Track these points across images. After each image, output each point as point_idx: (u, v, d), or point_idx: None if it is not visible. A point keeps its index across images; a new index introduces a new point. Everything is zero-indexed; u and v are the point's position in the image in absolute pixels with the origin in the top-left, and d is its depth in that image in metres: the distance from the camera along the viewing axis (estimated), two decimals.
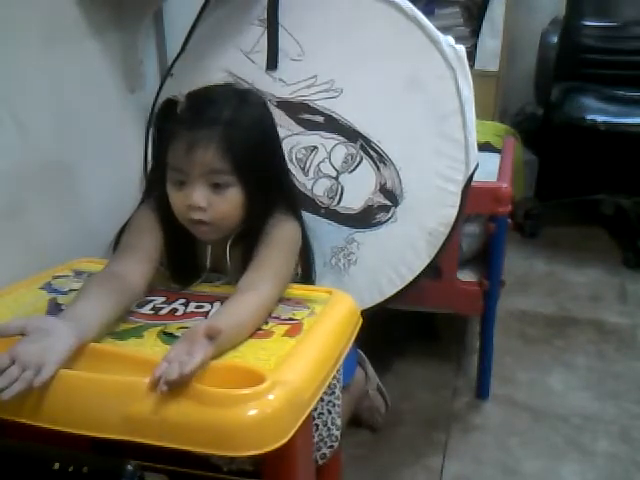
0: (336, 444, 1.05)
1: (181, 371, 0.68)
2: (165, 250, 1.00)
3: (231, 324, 0.81)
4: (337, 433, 1.04)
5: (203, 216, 0.94)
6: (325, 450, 1.03)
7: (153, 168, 1.02)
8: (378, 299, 1.21)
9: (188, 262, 1.03)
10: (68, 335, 0.75)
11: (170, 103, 0.96)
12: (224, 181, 0.93)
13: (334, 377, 0.93)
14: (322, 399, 1.00)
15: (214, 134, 0.91)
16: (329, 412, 1.04)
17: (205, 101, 0.95)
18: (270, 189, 0.99)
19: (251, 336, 0.85)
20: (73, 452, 0.72)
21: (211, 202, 0.93)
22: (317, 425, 1.01)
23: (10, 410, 0.75)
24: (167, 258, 1.01)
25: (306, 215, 1.19)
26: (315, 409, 0.96)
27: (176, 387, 0.69)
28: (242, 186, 0.94)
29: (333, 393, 1.04)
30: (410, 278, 1.19)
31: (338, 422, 1.05)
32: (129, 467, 0.67)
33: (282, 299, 0.96)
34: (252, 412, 0.69)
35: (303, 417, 0.75)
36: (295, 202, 1.06)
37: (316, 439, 1.01)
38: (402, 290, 1.20)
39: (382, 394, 1.43)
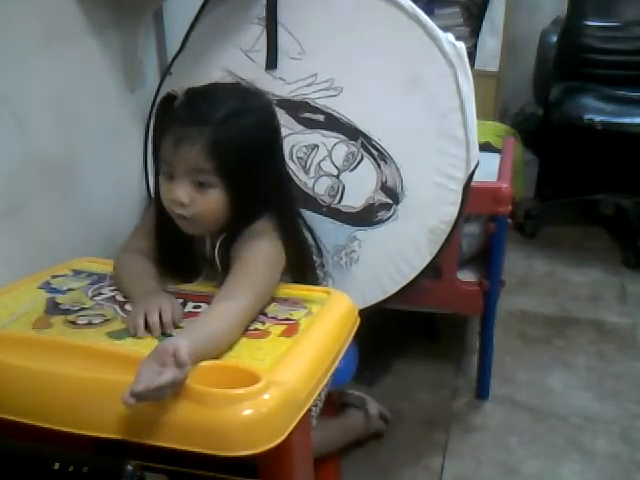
0: None
1: (147, 385, 0.67)
2: (159, 242, 1.03)
3: (203, 338, 0.78)
4: None
5: (184, 211, 0.95)
6: None
7: (153, 160, 1.03)
8: (380, 297, 1.21)
9: (185, 253, 1.03)
10: None
11: (170, 97, 0.97)
12: (207, 181, 0.93)
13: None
14: None
15: (202, 133, 0.91)
16: None
17: (202, 99, 0.95)
18: (256, 197, 0.98)
19: (247, 336, 0.85)
20: (73, 452, 0.72)
21: (194, 199, 0.94)
22: None
23: (10, 410, 0.75)
24: (162, 250, 1.03)
25: (307, 214, 1.19)
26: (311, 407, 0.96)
27: (143, 401, 0.68)
28: (225, 189, 0.94)
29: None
30: (412, 276, 1.19)
31: None
32: (129, 467, 0.67)
33: (280, 299, 0.95)
34: (247, 412, 0.69)
35: (299, 417, 0.75)
36: (285, 210, 1.04)
37: None
38: (404, 288, 1.20)
39: (384, 417, 1.42)
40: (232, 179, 0.94)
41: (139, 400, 0.67)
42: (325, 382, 0.84)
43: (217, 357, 0.79)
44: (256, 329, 0.87)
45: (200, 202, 0.94)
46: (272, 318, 0.90)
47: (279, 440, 0.71)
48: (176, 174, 0.94)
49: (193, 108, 0.94)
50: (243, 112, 0.96)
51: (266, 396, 0.71)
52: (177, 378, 0.69)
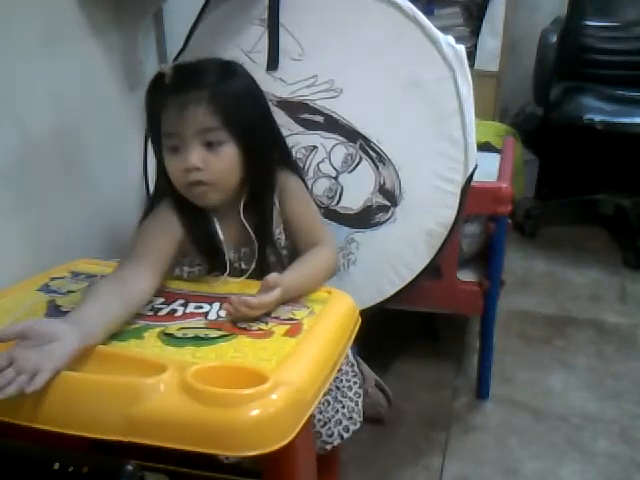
0: (355, 415, 1.05)
1: (259, 300, 0.86)
2: (189, 237, 1.01)
3: (298, 276, 0.95)
4: (352, 404, 1.05)
5: (201, 176, 0.95)
6: (346, 422, 1.04)
7: (153, 148, 1.03)
8: (377, 299, 1.21)
9: (209, 240, 1.02)
10: (71, 341, 0.74)
11: (159, 77, 0.97)
12: (217, 139, 0.94)
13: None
14: None
15: (203, 95, 0.93)
16: (337, 388, 1.04)
17: (192, 68, 0.97)
18: (265, 145, 1.01)
19: (251, 336, 0.85)
20: (73, 452, 0.72)
21: (207, 162, 0.94)
22: (328, 401, 1.02)
23: (10, 412, 0.75)
24: (194, 244, 1.01)
25: None
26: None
27: (246, 316, 0.86)
28: (236, 142, 0.95)
29: (340, 369, 1.04)
30: (409, 278, 1.19)
31: (350, 394, 1.05)
32: (129, 467, 0.67)
33: None
34: (255, 412, 0.69)
35: (306, 416, 0.75)
36: (292, 156, 1.12)
37: (330, 413, 1.02)
38: (401, 290, 1.20)
39: (382, 390, 1.43)
40: (240, 131, 0.95)
41: (234, 308, 0.86)
42: (330, 381, 0.84)
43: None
44: (259, 329, 0.87)
45: (215, 163, 0.95)
46: (275, 318, 0.90)
47: (288, 440, 0.71)
48: (184, 141, 0.94)
49: (187, 77, 0.95)
50: (232, 75, 0.99)
51: (274, 396, 0.71)
52: (263, 301, 0.87)
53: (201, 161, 0.94)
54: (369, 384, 1.40)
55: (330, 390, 1.03)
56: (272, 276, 0.89)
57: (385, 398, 1.43)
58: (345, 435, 1.03)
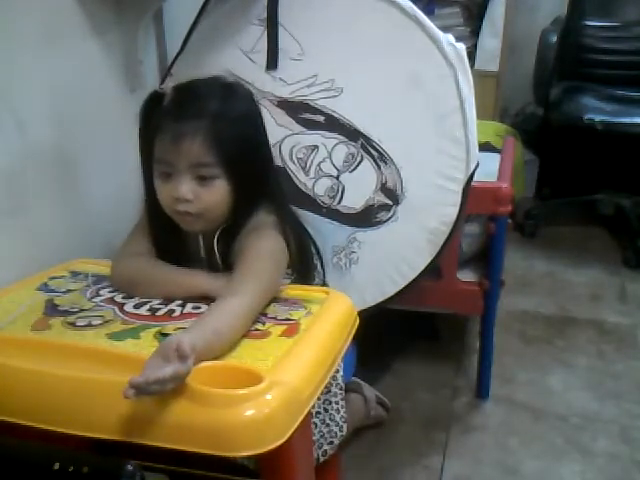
0: (336, 440, 1.05)
1: (147, 377, 0.67)
2: (154, 245, 1.02)
3: (207, 333, 0.78)
4: (336, 429, 1.05)
5: (189, 208, 0.95)
6: (326, 447, 1.04)
7: (142, 163, 1.02)
8: (380, 298, 1.21)
9: (178, 255, 1.02)
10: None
11: (156, 96, 0.96)
12: (210, 174, 0.94)
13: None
14: (318, 398, 1.01)
15: (200, 127, 0.92)
16: (326, 410, 1.04)
17: (191, 94, 0.96)
18: (255, 182, 0.99)
19: (248, 336, 0.85)
20: (73, 452, 0.72)
21: (197, 194, 0.94)
22: (315, 424, 1.02)
23: (10, 412, 0.75)
24: (158, 254, 1.02)
25: (307, 214, 1.19)
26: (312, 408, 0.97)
27: (143, 395, 0.68)
28: (228, 179, 0.95)
29: (329, 391, 1.04)
30: (411, 277, 1.19)
31: (337, 418, 1.05)
32: (129, 467, 0.67)
33: (279, 299, 0.96)
34: (249, 412, 0.69)
35: (301, 417, 0.75)
36: (281, 198, 1.05)
37: (316, 436, 1.01)
38: (404, 289, 1.20)
39: (382, 403, 1.43)
40: (233, 168, 0.94)
41: (139, 393, 0.67)
42: (326, 382, 0.84)
43: (223, 353, 0.79)
44: (256, 329, 0.87)
45: (205, 196, 0.94)
46: (272, 318, 0.90)
47: (282, 440, 0.71)
48: (177, 171, 0.94)
49: (185, 103, 0.94)
50: (232, 102, 0.97)
51: (269, 396, 0.71)
52: (179, 372, 0.69)
53: (191, 193, 0.94)
54: (372, 406, 1.40)
55: (318, 412, 1.04)
56: (186, 342, 0.71)
57: (384, 409, 1.44)
58: (322, 458, 1.03)
